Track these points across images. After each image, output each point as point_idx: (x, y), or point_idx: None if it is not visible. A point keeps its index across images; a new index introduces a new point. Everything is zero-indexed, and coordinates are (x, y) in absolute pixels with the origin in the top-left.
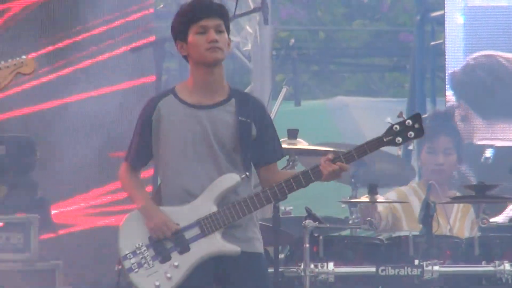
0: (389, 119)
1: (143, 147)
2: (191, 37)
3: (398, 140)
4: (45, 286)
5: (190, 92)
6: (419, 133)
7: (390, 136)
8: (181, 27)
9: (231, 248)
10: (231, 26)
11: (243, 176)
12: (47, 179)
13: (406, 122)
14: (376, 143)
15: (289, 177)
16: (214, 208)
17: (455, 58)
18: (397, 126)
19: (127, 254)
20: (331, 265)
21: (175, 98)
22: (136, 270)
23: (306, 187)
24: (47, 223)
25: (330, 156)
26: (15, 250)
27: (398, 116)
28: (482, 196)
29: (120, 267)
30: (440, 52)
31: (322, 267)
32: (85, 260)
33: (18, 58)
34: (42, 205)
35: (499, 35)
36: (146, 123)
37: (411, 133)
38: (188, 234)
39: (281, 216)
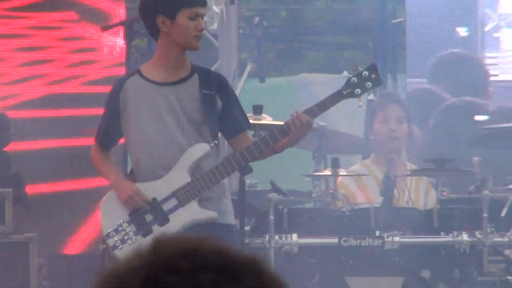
0: (345, 73)
1: (111, 127)
2: (181, 20)
3: (357, 92)
4: (20, 257)
5: (156, 70)
6: (377, 82)
7: (349, 88)
8: (172, 5)
9: (209, 214)
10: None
11: (212, 145)
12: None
13: (363, 73)
14: (336, 96)
15: (257, 139)
16: (188, 179)
17: (415, 36)
18: (355, 78)
19: (109, 232)
20: (295, 237)
21: (141, 78)
22: (120, 246)
23: (271, 162)
24: (22, 198)
25: (306, 110)
26: None
27: (355, 69)
28: (441, 169)
29: (104, 246)
30: (401, 29)
31: (286, 238)
32: (59, 231)
33: None
34: (16, 180)
35: (458, 11)
36: (114, 103)
37: (368, 84)
38: (166, 206)
39: (247, 189)
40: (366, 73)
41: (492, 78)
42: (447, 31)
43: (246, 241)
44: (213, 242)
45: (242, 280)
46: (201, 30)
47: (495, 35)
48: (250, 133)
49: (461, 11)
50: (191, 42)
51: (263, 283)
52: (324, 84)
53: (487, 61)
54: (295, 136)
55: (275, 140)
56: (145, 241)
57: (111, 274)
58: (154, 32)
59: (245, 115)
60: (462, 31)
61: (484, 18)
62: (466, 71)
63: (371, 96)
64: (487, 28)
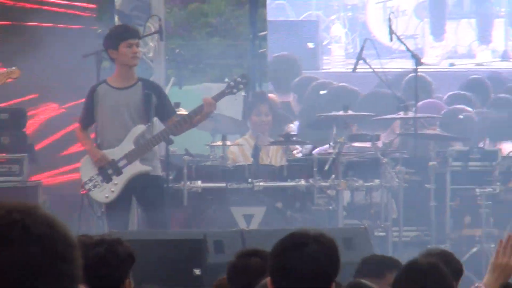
0: (226, 79)
1: (88, 115)
2: (121, 49)
3: (234, 91)
4: (31, 198)
5: (115, 80)
6: (245, 84)
7: (229, 89)
8: (114, 41)
9: (146, 168)
10: (141, 42)
11: (148, 125)
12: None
13: (237, 79)
14: (222, 94)
15: (179, 119)
16: (133, 146)
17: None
18: (232, 83)
19: (85, 181)
20: (199, 183)
21: (107, 85)
22: (93, 190)
23: (186, 137)
24: (33, 159)
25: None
26: (13, 175)
27: (233, 77)
28: (288, 141)
29: (82, 189)
30: (264, 55)
31: (194, 183)
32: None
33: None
34: (30, 148)
35: (306, 33)
36: (90, 100)
37: (240, 85)
38: (120, 164)
39: (170, 153)
40: (239, 79)
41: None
42: (300, 46)
43: (170, 185)
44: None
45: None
46: (136, 53)
47: (328, 46)
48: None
49: (308, 33)
50: (131, 61)
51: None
52: (218, 88)
53: (324, 61)
54: (205, 113)
55: (193, 117)
56: (108, 186)
57: None
58: (111, 58)
59: (172, 107)
60: (311, 45)
61: (323, 37)
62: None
63: (243, 93)
64: (324, 43)
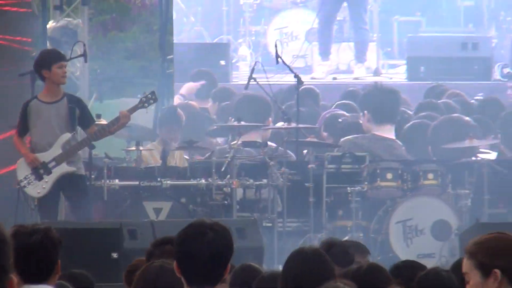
0: (139, 95)
1: (23, 125)
2: (54, 69)
3: (145, 105)
4: None
5: (45, 96)
6: (155, 100)
7: (141, 103)
8: (47, 63)
9: (72, 169)
10: (69, 63)
11: (73, 133)
12: None
13: (147, 95)
14: (135, 108)
15: (100, 128)
16: (61, 151)
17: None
18: (144, 98)
19: (21, 179)
20: (117, 181)
21: (37, 100)
22: (27, 186)
23: (105, 142)
24: None
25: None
26: None
27: (144, 94)
28: (191, 147)
29: (18, 186)
30: (170, 75)
31: (113, 181)
32: None
33: None
34: None
35: (216, 53)
36: (24, 112)
37: (151, 101)
38: (50, 165)
39: (92, 157)
40: (149, 95)
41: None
42: (215, 63)
43: (92, 183)
44: None
45: None
46: (65, 73)
47: (236, 64)
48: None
49: (221, 53)
50: (61, 80)
51: None
52: (133, 103)
53: (234, 75)
54: (121, 124)
55: (111, 127)
56: (40, 183)
57: None
58: (41, 77)
59: (92, 117)
60: (223, 62)
61: (232, 56)
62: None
63: (153, 107)
64: (233, 61)
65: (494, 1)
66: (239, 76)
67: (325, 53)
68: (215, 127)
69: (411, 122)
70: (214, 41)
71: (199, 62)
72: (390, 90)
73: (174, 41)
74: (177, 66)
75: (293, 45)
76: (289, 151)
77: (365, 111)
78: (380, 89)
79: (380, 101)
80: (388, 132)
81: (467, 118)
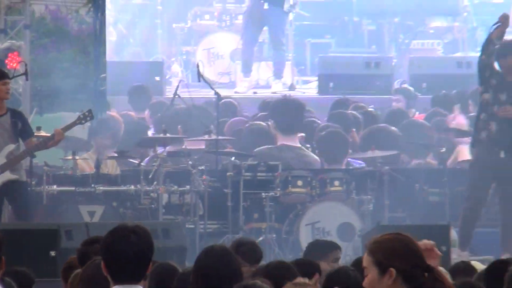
0: (78, 113)
1: None
2: None
3: (82, 122)
4: None
5: None
6: (91, 118)
7: (79, 120)
8: None
9: (15, 176)
10: (12, 80)
11: (16, 145)
12: None
13: (85, 113)
14: (73, 124)
15: (39, 141)
16: (5, 160)
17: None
18: (82, 115)
19: None
20: (55, 187)
21: None
22: None
23: (45, 153)
24: None
25: (61, 128)
26: None
27: (82, 112)
28: (121, 156)
29: None
30: (103, 91)
31: (51, 187)
32: None
33: None
34: None
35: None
36: None
37: (88, 118)
38: None
39: (33, 165)
40: (86, 113)
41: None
42: (150, 79)
43: (33, 188)
44: None
45: None
46: (9, 89)
47: (170, 79)
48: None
49: (156, 70)
50: (5, 96)
51: None
52: (70, 117)
53: (167, 89)
54: (56, 141)
55: (47, 142)
56: None
57: None
58: None
59: (31, 129)
60: (157, 78)
61: (166, 73)
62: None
63: (88, 123)
64: (166, 77)
65: (393, 25)
66: (172, 90)
67: (247, 71)
68: (146, 136)
69: (326, 131)
70: (150, 59)
71: (137, 78)
72: (294, 102)
73: (117, 60)
74: (118, 81)
75: (219, 63)
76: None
77: (272, 121)
78: (285, 101)
79: (284, 112)
80: (293, 141)
81: (393, 128)
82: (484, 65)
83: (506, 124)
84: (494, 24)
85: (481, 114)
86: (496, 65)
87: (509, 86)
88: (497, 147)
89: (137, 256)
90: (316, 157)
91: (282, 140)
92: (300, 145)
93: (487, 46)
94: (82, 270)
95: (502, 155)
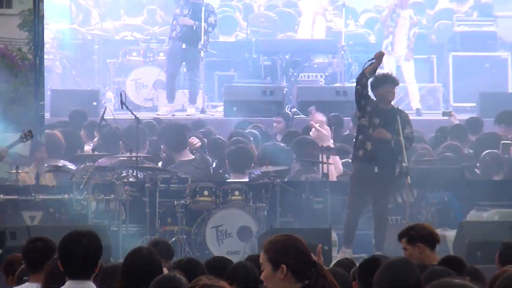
0: (20, 133)
1: None
2: None
3: (24, 140)
4: None
5: None
6: (31, 137)
7: (21, 139)
8: None
9: None
10: None
11: None
12: None
13: (26, 133)
14: (16, 142)
15: None
16: None
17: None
18: (23, 135)
19: None
20: (1, 195)
21: None
22: None
23: None
24: None
25: (6, 146)
26: None
27: (23, 131)
28: (58, 170)
29: None
30: (42, 116)
31: None
32: None
33: None
34: None
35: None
36: None
37: (28, 137)
38: None
39: None
40: (27, 133)
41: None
42: (89, 104)
43: None
44: None
45: None
46: None
47: (105, 105)
48: None
49: (93, 97)
50: None
51: None
52: (14, 137)
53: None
54: (1, 157)
55: None
56: None
57: None
58: None
59: None
60: (95, 103)
61: (102, 99)
62: None
63: (29, 141)
64: (102, 102)
65: (285, 61)
66: (106, 113)
67: (171, 98)
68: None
69: (236, 146)
70: (89, 88)
71: (78, 103)
72: (176, 125)
73: (62, 88)
74: (63, 105)
75: (144, 91)
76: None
77: (163, 145)
78: (169, 125)
79: (169, 133)
80: (186, 155)
81: (284, 145)
82: (359, 95)
83: (379, 144)
84: (369, 60)
85: (359, 135)
86: (371, 94)
87: (381, 112)
88: (372, 163)
89: (86, 256)
90: (209, 162)
91: (179, 157)
92: (193, 156)
93: (361, 79)
94: (46, 266)
95: (376, 170)
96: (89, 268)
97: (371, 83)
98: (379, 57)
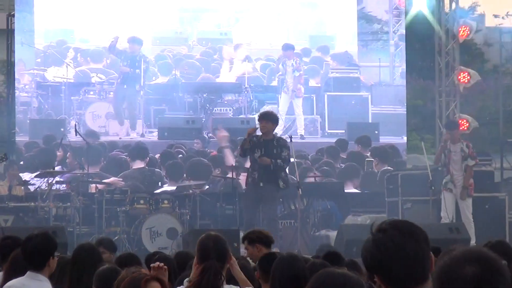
0: (2, 154)
1: None
2: None
3: (3, 161)
4: None
5: None
6: (6, 159)
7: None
8: None
9: None
10: None
11: None
12: None
13: (1, 156)
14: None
15: None
16: None
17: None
18: (2, 157)
19: None
20: None
21: None
22: None
23: None
24: None
25: None
26: None
27: (0, 155)
28: (25, 184)
29: None
30: (14, 141)
31: None
32: None
33: None
34: None
35: None
36: None
37: (4, 159)
38: None
39: None
40: (3, 156)
41: None
42: (55, 130)
43: None
44: None
45: None
46: None
47: (70, 130)
48: None
49: (60, 125)
50: None
51: None
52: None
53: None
54: None
55: None
56: None
57: None
58: None
59: None
60: (62, 129)
61: (67, 126)
62: None
63: (5, 162)
64: (68, 128)
65: (203, 98)
66: (70, 137)
67: (121, 124)
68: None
69: (171, 161)
70: (58, 118)
71: (49, 129)
72: (138, 144)
73: (38, 118)
74: (37, 132)
75: (99, 120)
76: None
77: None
78: (137, 145)
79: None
80: (141, 163)
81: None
82: (244, 156)
83: (263, 168)
84: (244, 138)
85: (249, 168)
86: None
87: (262, 143)
88: (258, 180)
89: (39, 251)
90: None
91: (135, 165)
92: (144, 166)
93: (241, 151)
94: (9, 258)
95: (261, 184)
96: (40, 261)
97: (258, 117)
98: (249, 133)
